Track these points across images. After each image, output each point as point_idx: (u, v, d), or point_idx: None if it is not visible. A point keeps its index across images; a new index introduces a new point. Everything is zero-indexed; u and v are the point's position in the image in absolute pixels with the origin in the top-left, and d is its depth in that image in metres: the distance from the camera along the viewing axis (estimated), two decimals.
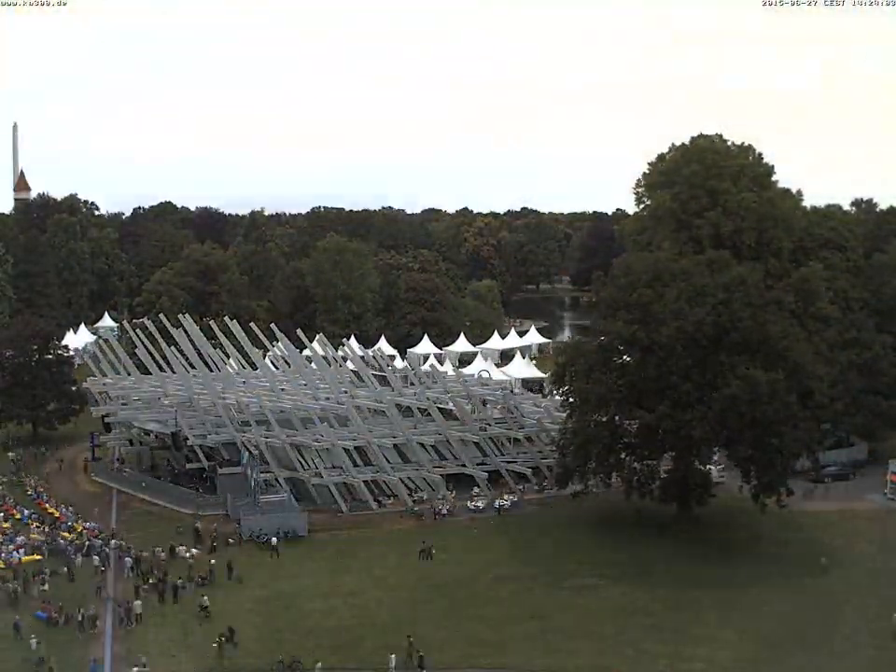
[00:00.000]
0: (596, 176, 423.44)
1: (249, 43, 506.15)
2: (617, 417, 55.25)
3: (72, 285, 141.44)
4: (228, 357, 77.16)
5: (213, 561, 49.49)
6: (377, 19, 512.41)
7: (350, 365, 79.62)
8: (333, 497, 60.18)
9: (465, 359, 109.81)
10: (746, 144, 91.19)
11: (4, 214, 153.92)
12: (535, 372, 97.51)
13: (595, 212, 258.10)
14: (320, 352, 79.00)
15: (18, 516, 59.14)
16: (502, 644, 40.46)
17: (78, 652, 40.07)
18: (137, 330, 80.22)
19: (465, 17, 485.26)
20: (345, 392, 68.39)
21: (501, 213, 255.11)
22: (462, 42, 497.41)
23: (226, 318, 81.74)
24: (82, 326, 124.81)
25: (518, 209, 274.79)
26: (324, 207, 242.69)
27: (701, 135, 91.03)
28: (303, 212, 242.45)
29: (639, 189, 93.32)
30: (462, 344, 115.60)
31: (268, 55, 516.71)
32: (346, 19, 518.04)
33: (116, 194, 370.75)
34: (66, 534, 55.54)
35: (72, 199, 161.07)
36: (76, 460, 73.74)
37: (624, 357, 57.44)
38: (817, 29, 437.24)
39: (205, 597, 44.73)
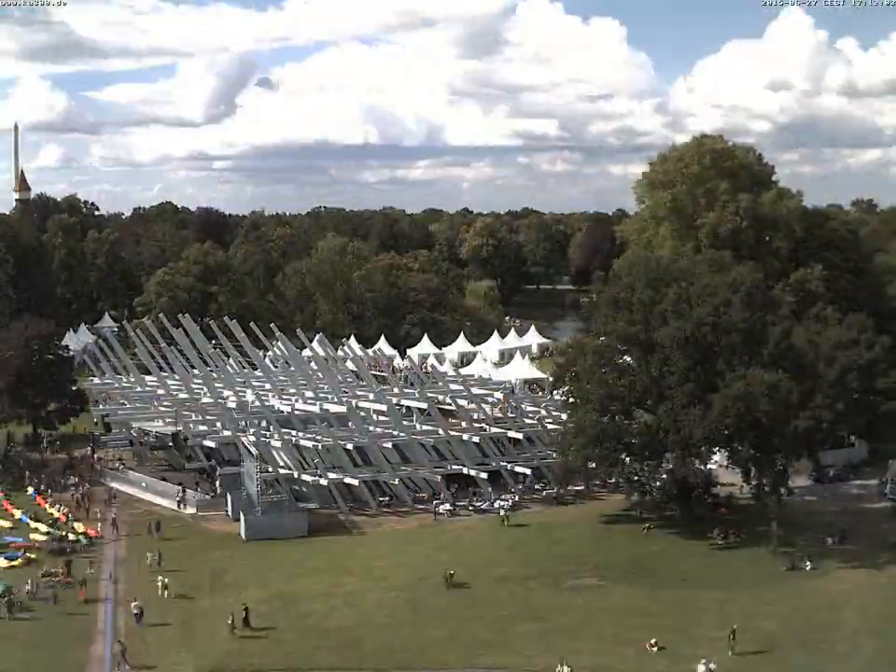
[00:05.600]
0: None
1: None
2: (618, 417, 55.28)
3: (72, 285, 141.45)
4: (228, 357, 77.18)
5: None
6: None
7: (350, 365, 79.65)
8: (333, 496, 60.20)
9: (465, 359, 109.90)
10: (747, 144, 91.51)
11: (4, 214, 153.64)
12: (535, 372, 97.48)
13: (595, 212, 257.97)
14: (320, 352, 79.04)
15: (18, 516, 59.09)
16: (502, 644, 40.44)
17: None
18: (137, 330, 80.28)
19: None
20: (345, 392, 68.40)
21: (501, 213, 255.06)
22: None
23: (226, 318, 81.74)
24: (82, 326, 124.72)
25: (518, 209, 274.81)
26: (324, 207, 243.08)
27: (703, 135, 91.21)
28: (303, 212, 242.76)
29: (640, 189, 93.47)
30: (462, 344, 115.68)
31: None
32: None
33: (116, 194, 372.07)
34: (65, 534, 55.58)
35: (72, 199, 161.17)
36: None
37: (625, 357, 57.50)
38: None
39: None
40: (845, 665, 38.32)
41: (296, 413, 65.47)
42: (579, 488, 60.06)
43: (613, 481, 59.15)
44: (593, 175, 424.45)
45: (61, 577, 47.93)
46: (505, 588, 46.87)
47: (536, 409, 70.46)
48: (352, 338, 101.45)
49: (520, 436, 66.58)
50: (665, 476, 55.68)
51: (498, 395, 71.56)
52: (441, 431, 64.29)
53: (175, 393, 71.35)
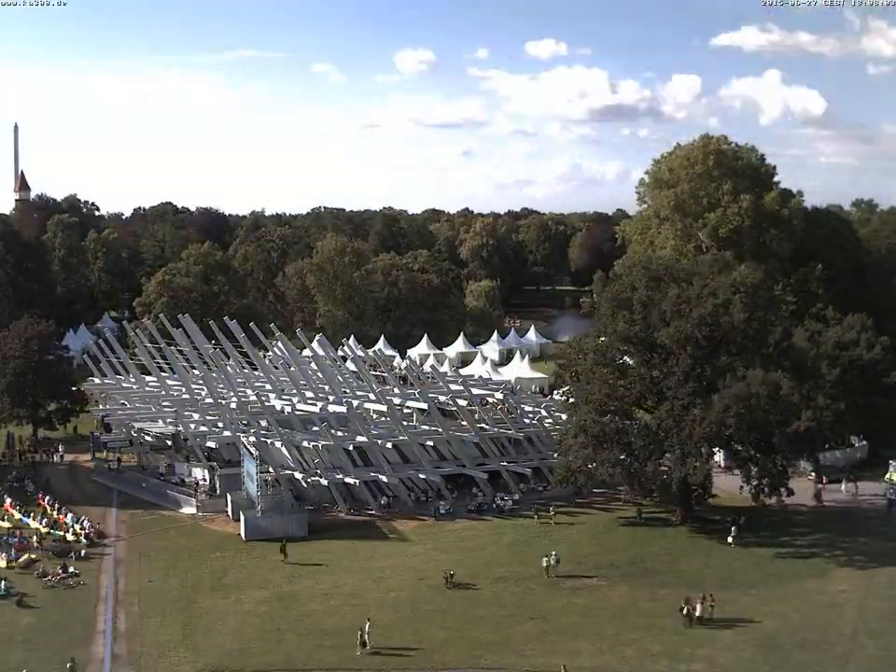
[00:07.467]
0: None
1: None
2: (618, 417, 55.26)
3: (72, 285, 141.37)
4: (228, 357, 77.13)
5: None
6: None
7: (350, 365, 79.60)
8: (333, 497, 60.16)
9: (464, 360, 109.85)
10: (749, 144, 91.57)
11: (4, 214, 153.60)
12: (534, 373, 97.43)
13: (595, 212, 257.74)
14: (320, 352, 78.97)
15: (17, 516, 59.05)
16: (502, 644, 40.42)
17: None
18: (137, 330, 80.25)
19: None
20: (345, 392, 68.37)
21: (501, 213, 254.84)
22: None
23: (226, 318, 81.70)
24: (82, 326, 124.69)
25: (518, 209, 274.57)
26: (324, 207, 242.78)
27: (705, 136, 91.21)
28: (304, 212, 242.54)
29: (642, 189, 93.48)
30: (461, 345, 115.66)
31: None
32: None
33: (116, 194, 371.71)
34: (65, 534, 55.54)
35: (72, 199, 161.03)
36: (75, 461, 73.68)
37: (625, 357, 57.48)
38: None
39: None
40: (845, 665, 38.32)
41: (296, 413, 65.42)
42: (579, 489, 59.92)
43: (613, 480, 59.08)
44: None
45: (60, 577, 47.94)
46: (505, 588, 46.86)
47: (536, 409, 70.41)
48: (352, 338, 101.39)
49: (520, 436, 66.56)
50: (665, 476, 55.66)
51: (499, 395, 71.55)
52: (441, 431, 64.27)
53: (175, 393, 71.32)
